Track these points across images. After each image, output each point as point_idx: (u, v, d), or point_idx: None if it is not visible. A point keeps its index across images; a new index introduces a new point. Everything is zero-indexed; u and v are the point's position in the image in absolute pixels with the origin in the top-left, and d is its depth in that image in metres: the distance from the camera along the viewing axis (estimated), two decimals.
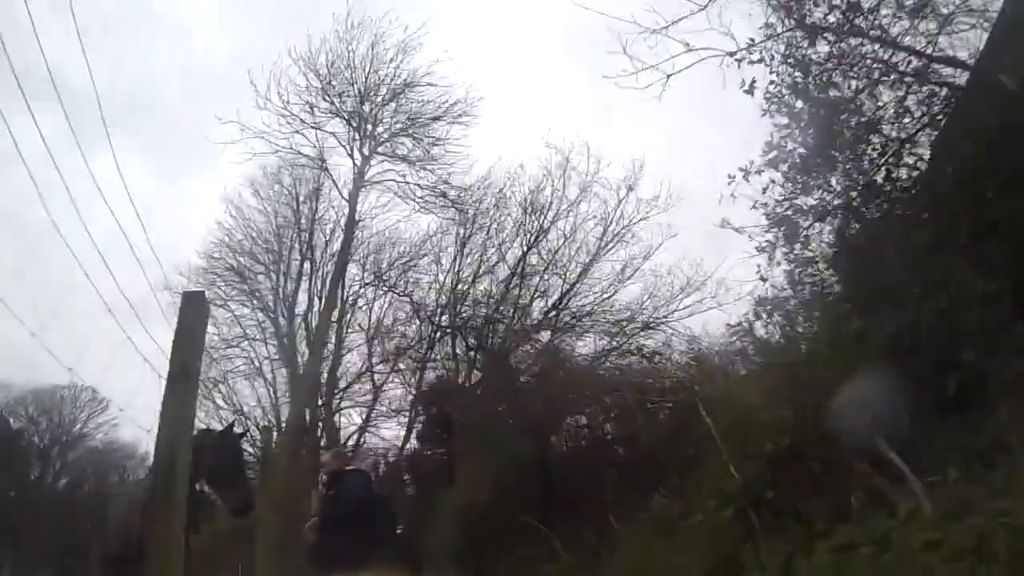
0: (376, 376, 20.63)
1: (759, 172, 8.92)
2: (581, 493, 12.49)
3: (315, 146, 20.09)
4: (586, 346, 18.57)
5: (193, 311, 4.09)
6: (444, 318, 20.10)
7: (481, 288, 19.94)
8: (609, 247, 18.76)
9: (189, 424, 3.85)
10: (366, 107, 20.13)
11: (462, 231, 20.18)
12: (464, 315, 19.82)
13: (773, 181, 9.02)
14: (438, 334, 19.99)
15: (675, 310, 17.73)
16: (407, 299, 20.24)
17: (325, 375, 19.61)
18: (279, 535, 7.83)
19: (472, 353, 20.03)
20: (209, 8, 34.11)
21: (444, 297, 19.98)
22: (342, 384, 20.11)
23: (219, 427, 8.39)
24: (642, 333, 17.79)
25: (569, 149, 19.00)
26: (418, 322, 20.16)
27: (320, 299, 20.28)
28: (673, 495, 7.98)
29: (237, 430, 7.57)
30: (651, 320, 17.91)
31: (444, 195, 19.97)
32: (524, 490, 13.22)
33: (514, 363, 19.28)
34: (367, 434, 20.42)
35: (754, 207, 8.92)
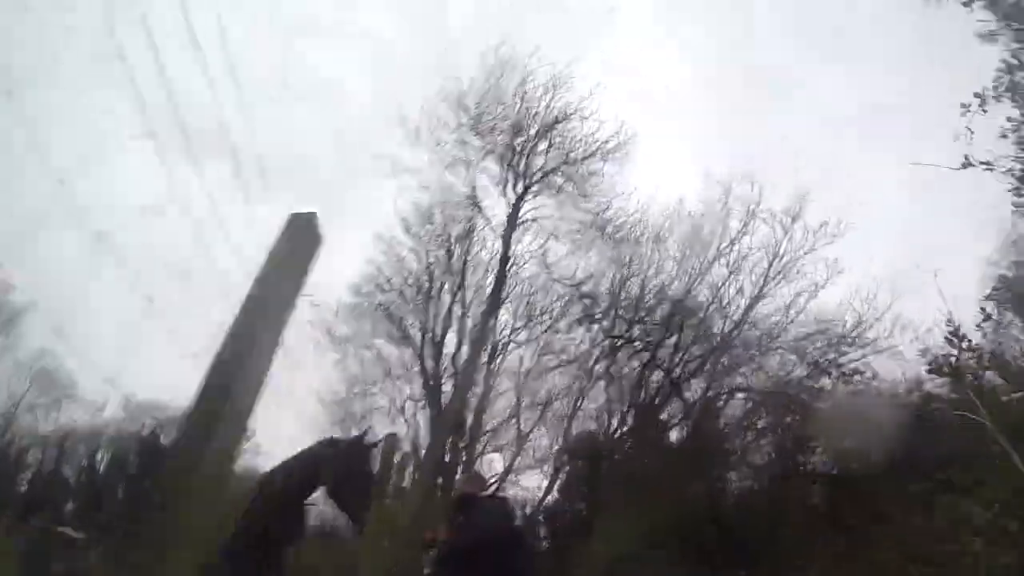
0: (522, 423, 19.69)
1: (997, 99, 7.43)
2: (765, 536, 10.55)
3: (467, 185, 19.95)
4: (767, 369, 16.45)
5: (298, 234, 2.78)
6: (599, 365, 18.98)
7: (637, 333, 18.74)
8: (775, 281, 17.25)
9: (259, 372, 2.57)
10: (518, 143, 19.72)
11: (618, 274, 19.10)
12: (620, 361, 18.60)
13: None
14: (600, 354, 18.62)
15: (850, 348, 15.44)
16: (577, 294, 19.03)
17: (470, 419, 18.85)
18: (389, 565, 6.69)
19: (623, 406, 18.75)
20: (352, 67, 35.84)
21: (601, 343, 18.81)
22: (487, 428, 19.24)
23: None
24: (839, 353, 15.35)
25: (729, 180, 17.71)
26: (585, 324, 19.00)
27: (469, 341, 19.69)
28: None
29: (370, 440, 6.66)
30: (849, 337, 15.42)
31: (601, 229, 18.88)
32: (688, 537, 11.43)
33: (666, 417, 17.80)
34: (507, 483, 19.35)
35: (1004, 136, 7.45)
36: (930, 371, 8.66)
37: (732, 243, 17.83)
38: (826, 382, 14.38)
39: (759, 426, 13.67)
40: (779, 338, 16.28)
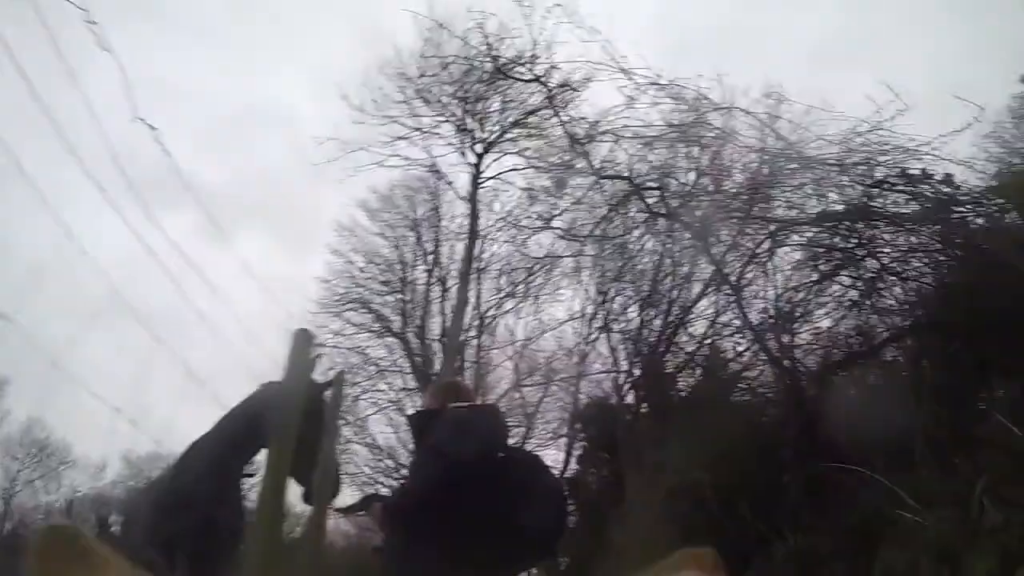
0: (525, 398, 18.35)
1: None
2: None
3: (425, 157, 18.63)
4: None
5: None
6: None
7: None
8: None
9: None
10: (468, 102, 18.27)
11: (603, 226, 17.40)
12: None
13: None
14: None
15: None
16: None
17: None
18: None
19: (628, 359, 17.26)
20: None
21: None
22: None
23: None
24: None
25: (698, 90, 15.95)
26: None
27: (452, 318, 18.31)
28: None
29: (322, 380, 5.26)
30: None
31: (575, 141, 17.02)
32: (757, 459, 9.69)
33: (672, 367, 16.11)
34: None
35: None
36: None
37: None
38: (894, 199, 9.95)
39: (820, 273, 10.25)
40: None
